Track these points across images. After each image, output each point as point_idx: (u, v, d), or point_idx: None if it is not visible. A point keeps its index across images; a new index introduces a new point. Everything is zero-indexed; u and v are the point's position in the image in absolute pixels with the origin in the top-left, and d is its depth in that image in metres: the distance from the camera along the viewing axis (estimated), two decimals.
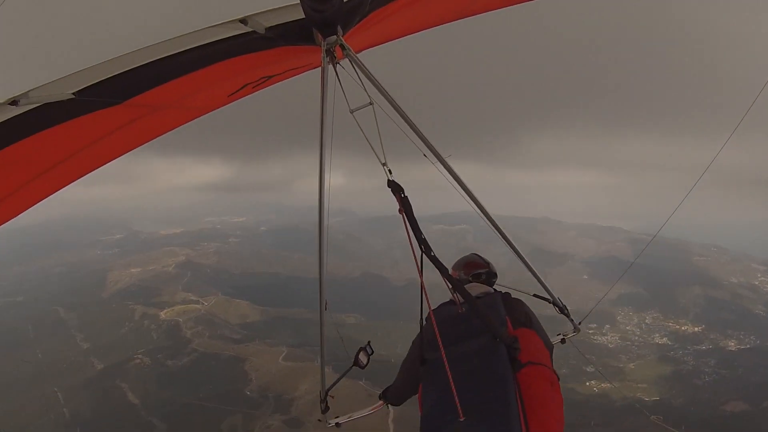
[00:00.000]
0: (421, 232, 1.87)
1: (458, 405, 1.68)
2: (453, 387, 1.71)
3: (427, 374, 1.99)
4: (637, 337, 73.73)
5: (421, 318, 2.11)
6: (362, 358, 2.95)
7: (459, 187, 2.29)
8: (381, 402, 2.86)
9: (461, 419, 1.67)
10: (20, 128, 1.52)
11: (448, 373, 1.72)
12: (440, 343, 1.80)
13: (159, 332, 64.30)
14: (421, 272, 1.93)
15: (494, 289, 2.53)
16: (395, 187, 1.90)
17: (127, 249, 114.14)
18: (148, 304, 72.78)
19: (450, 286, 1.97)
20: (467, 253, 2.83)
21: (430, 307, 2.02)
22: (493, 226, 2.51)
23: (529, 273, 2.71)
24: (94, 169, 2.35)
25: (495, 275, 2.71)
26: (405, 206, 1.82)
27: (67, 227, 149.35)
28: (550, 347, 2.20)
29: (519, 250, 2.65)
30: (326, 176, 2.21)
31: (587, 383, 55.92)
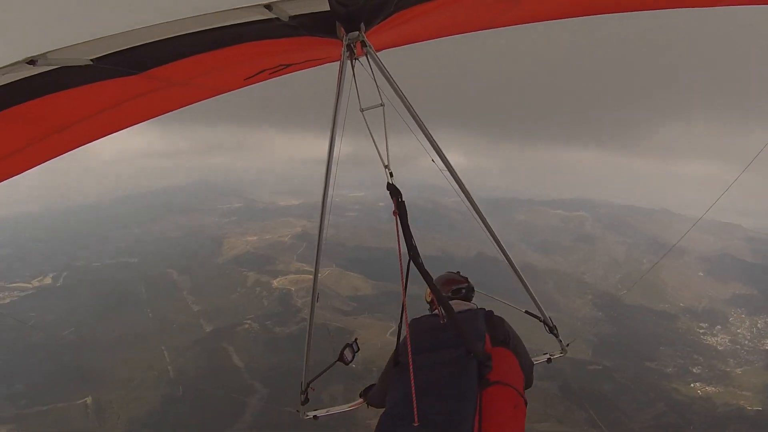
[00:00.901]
0: (412, 238, 3.27)
1: (415, 411, 2.93)
2: (413, 392, 2.97)
3: (397, 376, 3.46)
4: (747, 341, 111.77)
5: (401, 322, 3.65)
6: (347, 354, 4.98)
7: (461, 193, 4.07)
8: (361, 400, 4.88)
9: (415, 424, 2.91)
10: (37, 87, 2.75)
11: (411, 378, 3.03)
12: (409, 349, 3.21)
13: (270, 299, 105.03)
14: (405, 278, 3.43)
15: (476, 306, 4.29)
16: (393, 191, 3.38)
17: (244, 217, 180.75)
18: (261, 272, 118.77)
19: (434, 297, 3.55)
20: (443, 272, 4.77)
21: (406, 317, 3.60)
22: (490, 234, 4.43)
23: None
24: (106, 135, 4.04)
25: (473, 290, 4.79)
26: (400, 211, 3.32)
27: (187, 193, 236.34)
28: (527, 369, 3.73)
29: (514, 262, 4.68)
30: (333, 170, 3.82)
31: (692, 384, 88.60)
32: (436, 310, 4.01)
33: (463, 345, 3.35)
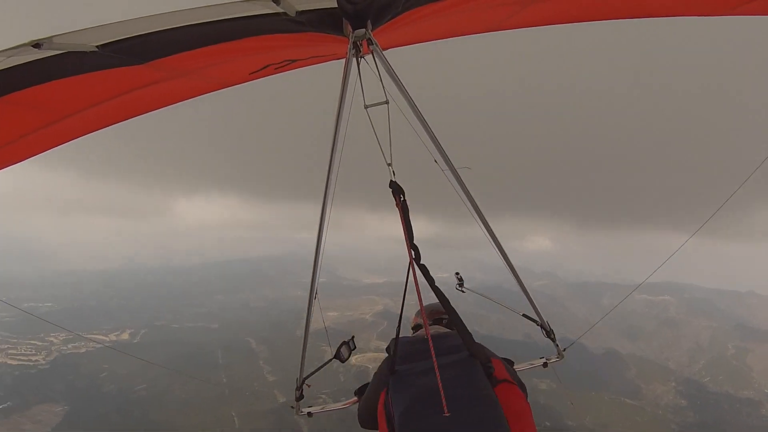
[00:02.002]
0: (413, 238, 3.42)
1: (444, 400, 2.99)
2: (440, 384, 3.03)
3: (397, 383, 3.43)
4: None
5: (398, 329, 3.76)
6: (344, 351, 5.09)
7: (466, 199, 4.07)
8: (355, 398, 4.92)
9: (446, 414, 2.95)
10: (41, 72, 2.81)
11: (437, 372, 3.09)
12: (431, 344, 3.27)
13: (347, 376, 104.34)
14: (408, 279, 3.47)
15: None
16: (396, 189, 3.49)
17: (328, 293, 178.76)
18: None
19: (437, 297, 3.71)
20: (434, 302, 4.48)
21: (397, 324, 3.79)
22: (497, 247, 4.54)
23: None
24: (109, 125, 4.11)
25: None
26: (403, 209, 3.45)
27: (273, 266, 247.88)
28: (520, 382, 3.82)
29: (515, 268, 4.91)
30: (335, 169, 3.94)
31: None
32: (419, 332, 4.26)
33: (464, 350, 3.52)
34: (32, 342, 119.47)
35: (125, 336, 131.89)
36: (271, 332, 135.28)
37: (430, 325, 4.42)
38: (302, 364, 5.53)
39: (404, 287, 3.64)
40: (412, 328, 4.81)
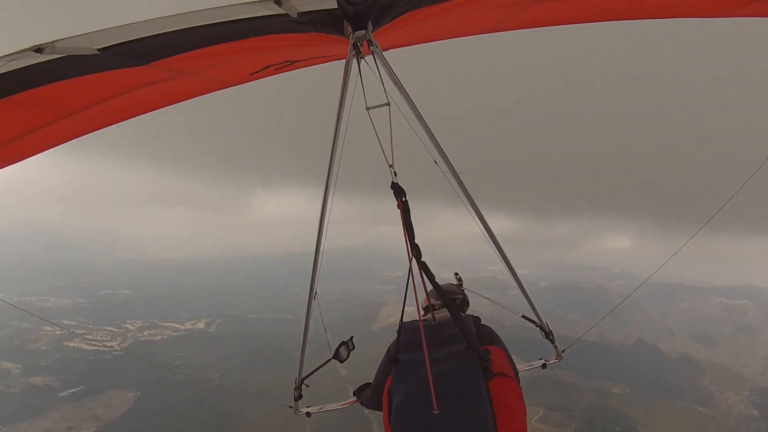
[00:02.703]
0: (413, 237, 3.54)
1: (434, 398, 3.16)
2: (431, 381, 3.21)
3: (399, 374, 3.60)
4: None
5: (401, 321, 3.93)
6: (343, 351, 5.17)
7: (466, 201, 4.20)
8: (354, 398, 5.07)
9: (435, 411, 3.14)
10: (43, 74, 2.92)
11: (428, 368, 3.27)
12: (424, 341, 3.44)
13: None
14: (409, 277, 3.65)
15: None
16: (398, 190, 3.61)
17: (404, 287, 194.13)
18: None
19: (438, 295, 3.86)
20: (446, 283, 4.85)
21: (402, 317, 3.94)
22: (496, 247, 4.62)
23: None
24: (111, 124, 4.20)
25: (467, 303, 5.05)
26: (404, 210, 3.57)
27: (351, 259, 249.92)
28: (515, 370, 3.90)
29: (516, 272, 5.00)
30: (335, 169, 4.02)
31: None
32: (428, 315, 4.25)
33: (464, 340, 3.64)
34: (108, 328, 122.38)
35: (201, 325, 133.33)
36: (345, 325, 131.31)
37: (440, 308, 4.38)
38: (301, 364, 5.52)
39: (406, 285, 3.79)
40: (423, 309, 4.56)
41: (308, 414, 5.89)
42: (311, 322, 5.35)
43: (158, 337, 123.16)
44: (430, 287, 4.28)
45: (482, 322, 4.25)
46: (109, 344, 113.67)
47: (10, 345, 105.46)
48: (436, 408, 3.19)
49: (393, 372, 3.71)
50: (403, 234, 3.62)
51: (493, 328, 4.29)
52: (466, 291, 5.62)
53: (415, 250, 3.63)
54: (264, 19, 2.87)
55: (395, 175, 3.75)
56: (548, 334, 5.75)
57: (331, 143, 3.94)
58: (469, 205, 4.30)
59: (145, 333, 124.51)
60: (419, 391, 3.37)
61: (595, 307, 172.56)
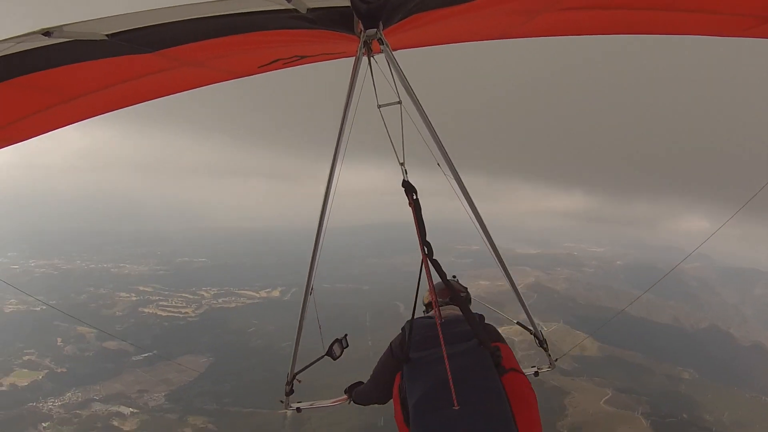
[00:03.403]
0: (425, 235, 3.61)
1: (453, 394, 3.19)
2: (450, 377, 3.24)
3: (411, 371, 3.63)
4: None
5: (412, 319, 4.01)
6: (336, 349, 5.22)
7: (466, 203, 4.25)
8: (345, 396, 5.15)
9: (456, 407, 3.18)
10: (50, 58, 2.94)
11: (447, 366, 3.28)
12: (441, 338, 3.47)
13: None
14: (420, 275, 3.76)
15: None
16: (408, 188, 3.69)
17: (480, 261, 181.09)
18: (488, 318, 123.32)
19: (449, 292, 3.93)
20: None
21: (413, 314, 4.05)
22: (493, 250, 4.64)
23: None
24: (117, 108, 4.27)
25: (470, 300, 4.93)
26: (415, 208, 3.64)
27: (428, 230, 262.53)
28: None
29: (513, 278, 5.03)
30: (338, 165, 4.11)
31: None
32: (433, 312, 4.24)
33: (473, 337, 3.69)
34: (183, 295, 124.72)
35: (276, 293, 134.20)
36: (406, 289, 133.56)
37: (446, 304, 4.52)
38: (294, 359, 5.49)
39: (417, 283, 3.99)
40: (425, 305, 4.92)
41: (298, 410, 5.86)
42: (304, 317, 5.27)
43: (233, 305, 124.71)
44: (438, 284, 4.24)
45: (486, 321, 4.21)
46: (183, 311, 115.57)
47: (86, 310, 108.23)
48: (456, 404, 3.20)
49: (405, 370, 3.70)
50: (416, 232, 3.64)
51: (495, 327, 4.30)
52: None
53: (427, 248, 3.63)
54: (274, 13, 2.89)
55: (406, 173, 3.83)
56: (542, 342, 5.65)
57: (336, 139, 3.91)
58: (468, 206, 4.28)
59: (219, 300, 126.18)
60: (437, 387, 3.36)
61: (670, 289, 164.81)
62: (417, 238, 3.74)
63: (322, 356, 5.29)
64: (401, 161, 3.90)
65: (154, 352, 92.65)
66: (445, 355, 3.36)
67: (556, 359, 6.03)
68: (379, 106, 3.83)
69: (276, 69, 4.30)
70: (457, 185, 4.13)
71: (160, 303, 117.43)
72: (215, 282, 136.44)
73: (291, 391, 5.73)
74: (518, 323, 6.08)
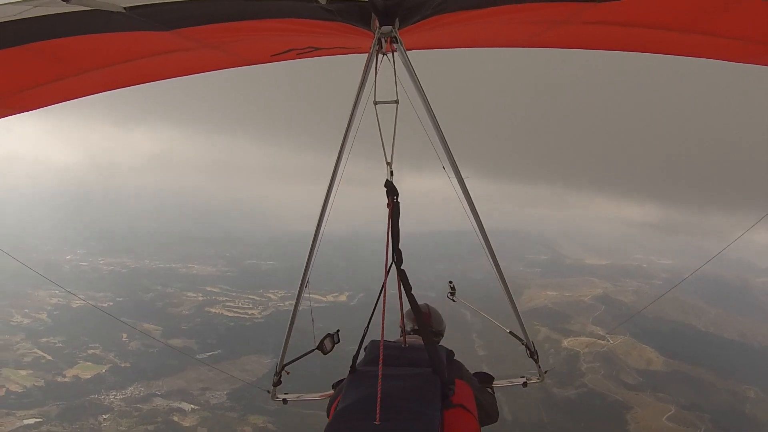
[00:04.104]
0: (398, 242, 3.60)
1: (378, 409, 3.15)
2: (379, 393, 3.20)
3: (352, 381, 3.63)
4: None
5: (366, 329, 4.01)
6: (327, 343, 5.19)
7: (467, 205, 4.27)
8: (332, 391, 4.98)
9: (377, 423, 3.12)
10: (67, 26, 2.94)
11: (379, 382, 3.24)
12: (381, 353, 3.44)
13: (556, 358, 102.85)
14: (385, 283, 3.67)
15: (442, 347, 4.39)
16: (391, 189, 3.67)
17: (549, 270, 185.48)
18: (553, 329, 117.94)
19: (412, 310, 3.94)
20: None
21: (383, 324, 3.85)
22: (490, 254, 4.62)
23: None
24: (131, 85, 4.35)
25: (440, 335, 4.92)
26: (394, 211, 3.62)
27: (497, 238, 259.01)
28: (487, 406, 4.25)
29: (509, 286, 4.99)
30: (344, 159, 4.19)
31: None
32: (400, 338, 4.50)
33: (432, 365, 3.66)
34: (251, 297, 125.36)
35: (343, 298, 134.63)
36: (485, 304, 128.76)
37: (411, 333, 4.68)
38: (284, 350, 5.68)
39: (380, 290, 3.79)
40: (400, 327, 4.87)
41: (284, 401, 6.00)
42: (298, 310, 5.57)
43: (300, 308, 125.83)
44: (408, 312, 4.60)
45: (455, 357, 4.26)
46: (249, 312, 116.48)
47: (153, 308, 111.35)
48: (378, 419, 3.13)
49: (348, 380, 3.75)
50: (387, 236, 3.65)
51: (464, 365, 4.34)
52: (457, 301, 6.45)
53: (397, 255, 3.63)
54: (293, 1, 2.99)
55: (392, 174, 3.79)
56: (533, 353, 5.72)
57: (343, 135, 3.94)
58: (468, 209, 4.38)
59: (286, 303, 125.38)
60: (366, 400, 3.31)
61: (738, 302, 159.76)
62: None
63: (312, 350, 5.27)
64: (388, 161, 3.83)
65: (219, 351, 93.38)
66: (380, 372, 3.29)
67: (546, 371, 5.99)
68: (376, 103, 3.74)
69: (289, 59, 4.28)
70: (459, 188, 4.19)
71: (227, 304, 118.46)
72: (283, 284, 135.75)
73: (279, 382, 5.82)
74: (510, 332, 6.08)
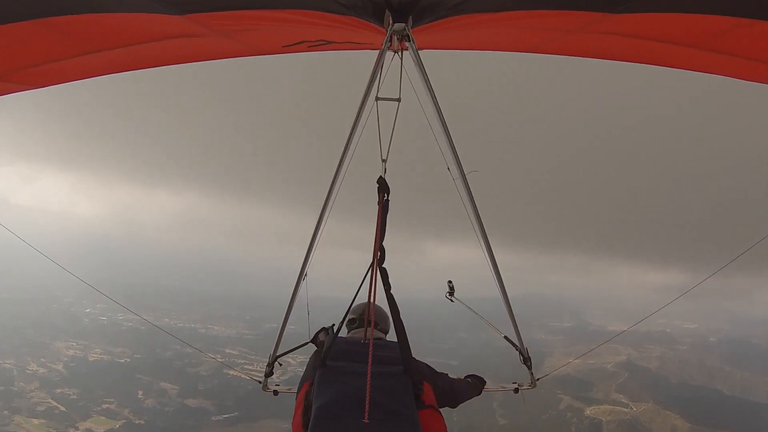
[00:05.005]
0: (382, 240, 3.62)
1: (367, 407, 3.08)
2: (368, 390, 3.12)
3: (324, 376, 3.51)
4: None
5: (342, 322, 4.14)
6: (321, 337, 4.71)
7: (470, 207, 4.29)
8: None
9: (365, 421, 3.05)
10: (76, 2, 2.95)
11: (368, 377, 3.17)
12: (371, 351, 3.38)
13: (579, 427, 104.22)
14: (370, 277, 3.75)
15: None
16: (383, 186, 3.74)
17: (572, 337, 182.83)
18: (576, 397, 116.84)
19: (390, 310, 3.84)
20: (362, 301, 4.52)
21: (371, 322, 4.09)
22: (490, 259, 4.65)
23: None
24: (136, 68, 4.35)
25: (385, 332, 4.80)
26: (383, 208, 3.68)
27: (520, 306, 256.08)
28: (456, 394, 4.44)
29: (506, 291, 5.15)
30: (349, 156, 4.15)
31: None
32: (352, 333, 4.63)
33: (404, 365, 3.63)
34: None
35: None
36: (510, 372, 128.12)
37: (378, 329, 4.58)
38: (278, 341, 5.68)
39: (358, 287, 3.85)
40: (347, 323, 4.80)
41: (275, 392, 6.01)
42: (294, 303, 5.57)
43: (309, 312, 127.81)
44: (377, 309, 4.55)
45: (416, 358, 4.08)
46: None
47: (170, 366, 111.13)
48: (367, 418, 3.07)
49: (317, 375, 3.58)
50: (375, 233, 3.71)
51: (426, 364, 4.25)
52: (456, 301, 6.46)
53: (380, 253, 3.68)
54: None
55: (385, 171, 3.95)
56: (526, 360, 5.83)
57: (349, 132, 3.92)
58: (471, 211, 4.37)
59: (305, 367, 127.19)
60: (348, 397, 3.27)
61: (765, 364, 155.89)
62: (374, 245, 3.71)
63: (306, 342, 5.11)
64: (384, 158, 3.97)
65: (236, 413, 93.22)
66: (370, 367, 3.23)
67: (538, 379, 6.06)
68: (377, 99, 3.85)
69: (300, 51, 4.28)
70: (464, 190, 4.20)
71: (245, 366, 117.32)
72: (302, 350, 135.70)
73: (270, 373, 5.80)
74: (505, 337, 6.17)
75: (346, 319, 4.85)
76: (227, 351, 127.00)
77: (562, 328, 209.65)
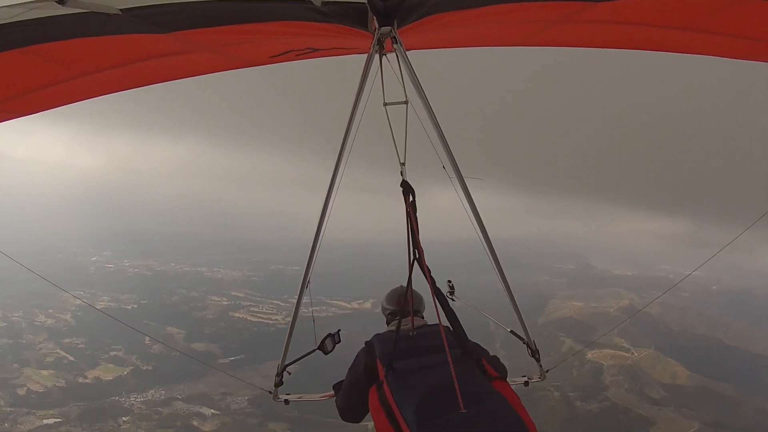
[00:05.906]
0: (418, 239, 3.67)
1: (459, 397, 3.13)
2: (455, 380, 3.18)
3: (396, 380, 3.53)
4: None
5: (398, 326, 3.90)
6: (328, 344, 5.23)
7: (469, 208, 4.23)
8: (332, 392, 5.02)
9: (462, 411, 3.11)
10: (63, 28, 2.91)
11: (452, 369, 3.24)
12: (443, 333, 3.57)
13: (580, 371, 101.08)
14: (410, 278, 3.80)
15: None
16: (407, 189, 3.78)
17: (575, 281, 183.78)
18: (578, 340, 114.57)
19: (436, 300, 3.80)
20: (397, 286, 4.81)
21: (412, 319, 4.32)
22: (492, 257, 4.56)
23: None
24: (126, 89, 4.30)
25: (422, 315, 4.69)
26: (412, 209, 3.72)
27: (525, 248, 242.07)
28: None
29: (510, 286, 4.99)
30: (344, 159, 4.14)
31: None
32: (392, 326, 4.51)
33: (462, 347, 3.76)
34: (275, 302, 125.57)
35: (367, 305, 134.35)
36: (512, 317, 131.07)
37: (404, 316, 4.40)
38: (285, 350, 5.65)
39: (407, 286, 4.02)
40: (389, 314, 4.88)
41: (286, 402, 6.00)
42: (299, 309, 5.52)
43: (323, 315, 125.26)
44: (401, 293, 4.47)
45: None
46: (273, 317, 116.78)
47: (176, 311, 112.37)
48: (462, 407, 3.10)
49: (390, 380, 3.58)
50: (407, 235, 3.79)
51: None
52: (457, 300, 6.36)
53: (418, 251, 3.74)
54: (289, 3, 2.99)
55: (405, 173, 3.92)
56: (534, 353, 5.77)
57: (343, 136, 3.97)
58: (470, 211, 4.30)
59: (310, 308, 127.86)
60: (435, 392, 3.29)
61: (765, 317, 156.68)
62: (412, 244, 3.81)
63: (314, 350, 5.34)
64: (402, 161, 3.93)
65: (242, 356, 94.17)
66: (449, 357, 3.33)
67: (548, 370, 5.98)
68: (386, 104, 3.86)
69: (288, 60, 4.30)
70: (461, 189, 4.13)
71: (251, 309, 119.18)
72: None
73: (280, 383, 5.80)
74: (511, 331, 6.20)
75: (387, 312, 4.95)
76: (233, 293, 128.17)
77: (566, 270, 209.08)
